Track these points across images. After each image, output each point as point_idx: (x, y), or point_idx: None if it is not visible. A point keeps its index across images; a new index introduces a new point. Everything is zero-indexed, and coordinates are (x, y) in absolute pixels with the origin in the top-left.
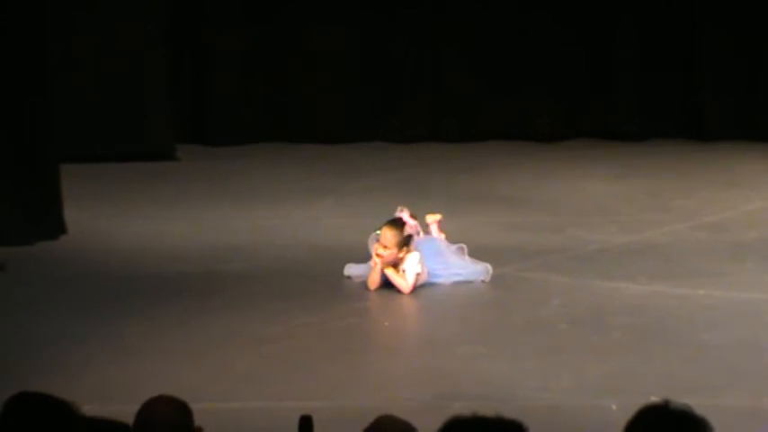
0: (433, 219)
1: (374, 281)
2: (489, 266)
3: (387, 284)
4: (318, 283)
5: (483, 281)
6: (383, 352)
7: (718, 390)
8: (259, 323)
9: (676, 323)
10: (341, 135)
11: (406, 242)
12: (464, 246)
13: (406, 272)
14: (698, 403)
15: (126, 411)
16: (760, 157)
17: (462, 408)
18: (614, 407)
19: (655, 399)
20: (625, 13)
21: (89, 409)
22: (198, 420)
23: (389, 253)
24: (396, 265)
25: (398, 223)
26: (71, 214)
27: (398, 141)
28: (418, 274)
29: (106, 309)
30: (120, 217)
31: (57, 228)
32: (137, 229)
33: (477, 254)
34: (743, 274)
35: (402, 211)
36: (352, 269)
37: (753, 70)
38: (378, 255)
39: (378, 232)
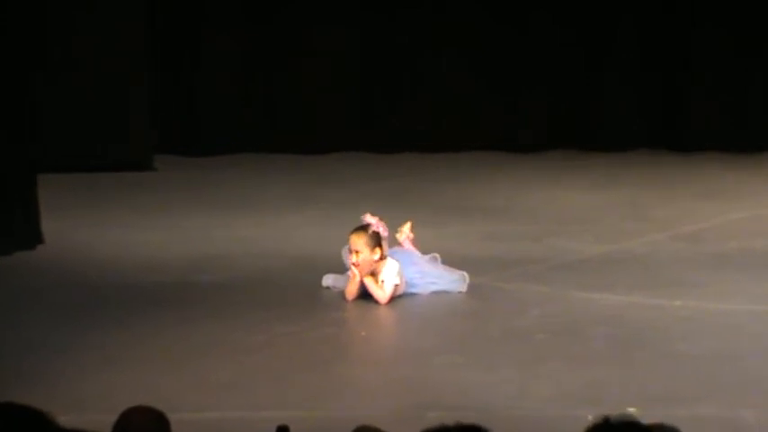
0: (404, 234)
1: (351, 291)
2: (465, 274)
3: (364, 295)
4: (297, 293)
5: (460, 291)
6: (361, 362)
7: (695, 400)
8: (237, 333)
9: (654, 334)
10: (323, 145)
11: (376, 241)
12: (437, 255)
13: (385, 282)
14: (675, 414)
15: (103, 421)
16: (739, 167)
17: (439, 418)
18: (590, 417)
19: (632, 409)
20: (614, 26)
21: (66, 419)
22: (175, 430)
23: (363, 257)
24: (374, 274)
25: (363, 227)
26: (49, 224)
27: (379, 152)
28: (396, 285)
29: (84, 318)
30: (99, 226)
31: (34, 237)
32: (115, 239)
33: (455, 263)
34: (721, 284)
35: (365, 215)
36: (330, 279)
37: (733, 82)
38: (354, 264)
39: (347, 245)
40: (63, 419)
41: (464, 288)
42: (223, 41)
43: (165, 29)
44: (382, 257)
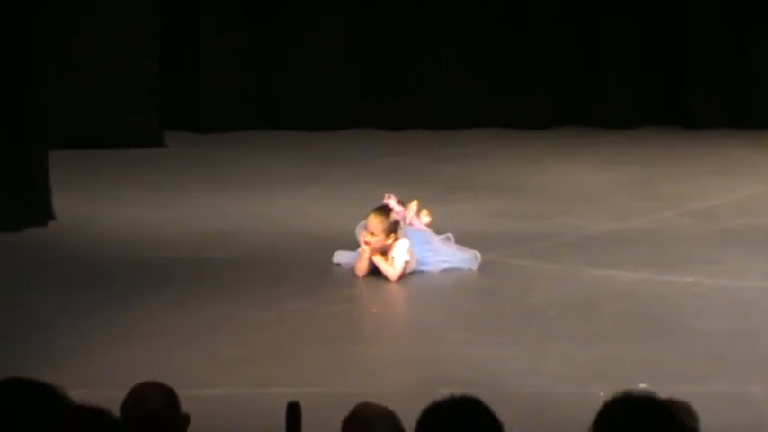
0: (411, 212)
1: (362, 268)
2: (478, 254)
3: (375, 272)
4: (307, 269)
5: (471, 269)
6: (371, 339)
7: (707, 377)
8: (247, 309)
9: (664, 310)
10: (330, 122)
11: (393, 229)
12: (450, 235)
13: (395, 259)
14: (685, 390)
15: (114, 397)
16: (749, 144)
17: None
18: (602, 393)
19: (643, 386)
20: (619, 3)
21: (76, 394)
22: (185, 406)
23: (377, 240)
24: (384, 252)
25: (385, 210)
26: (60, 201)
27: (388, 129)
28: (407, 262)
29: (95, 295)
30: (109, 203)
31: (45, 214)
32: (125, 216)
33: (465, 241)
34: (731, 261)
35: (389, 198)
36: (340, 256)
37: (741, 59)
38: (365, 242)
39: (365, 221)
40: (73, 394)
41: (475, 266)
42: (218, 30)
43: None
44: (395, 240)
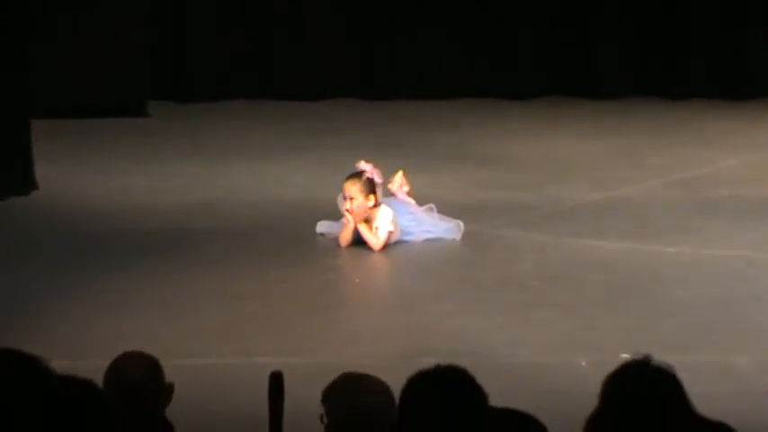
0: (396, 183)
1: (346, 238)
2: (461, 223)
3: (359, 241)
4: (291, 240)
5: (454, 239)
6: (355, 309)
7: (689, 346)
8: (231, 280)
9: (648, 280)
10: (316, 92)
11: (370, 188)
12: (433, 206)
13: (379, 229)
14: (668, 360)
15: (98, 367)
16: (732, 115)
17: (433, 364)
18: (584, 363)
19: (625, 356)
20: None
21: (60, 365)
22: (169, 376)
23: (358, 204)
24: (368, 220)
25: (357, 174)
26: (42, 169)
27: (373, 99)
28: (390, 233)
29: (78, 265)
30: (92, 173)
31: (28, 183)
32: (108, 185)
33: (449, 211)
34: (714, 231)
35: (359, 163)
36: (324, 226)
37: (725, 29)
38: (348, 211)
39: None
40: (56, 365)
41: (459, 236)
42: (208, 10)
43: None
44: (376, 204)
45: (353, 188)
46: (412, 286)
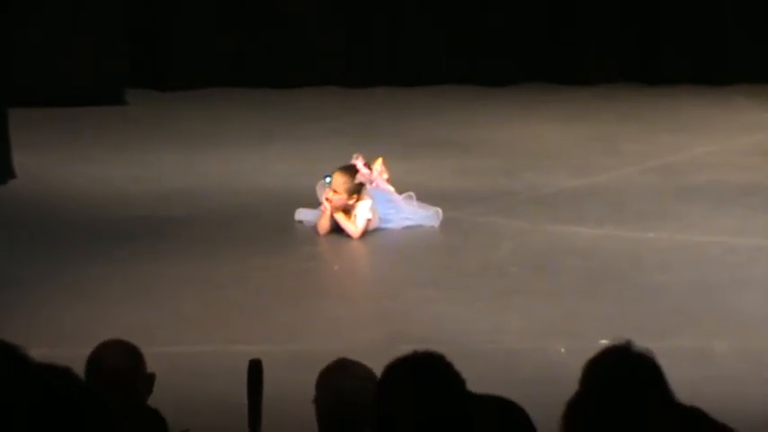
0: (375, 171)
1: (324, 226)
2: (439, 211)
3: (337, 229)
4: (269, 227)
5: (433, 226)
6: (334, 296)
7: (668, 332)
8: (210, 267)
9: (626, 266)
10: (294, 80)
11: (356, 190)
12: (412, 194)
13: (357, 217)
14: (648, 345)
15: (78, 355)
16: (709, 100)
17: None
18: (563, 350)
19: (605, 341)
20: None
21: (39, 353)
22: (149, 364)
23: (339, 198)
24: (347, 210)
25: (351, 170)
26: (20, 158)
27: (351, 86)
28: (368, 220)
29: (56, 253)
30: (70, 161)
31: (6, 172)
32: (87, 174)
33: (428, 199)
34: (692, 216)
35: (357, 158)
36: (302, 214)
37: (703, 14)
38: (327, 199)
39: (327, 179)
40: (35, 353)
41: (437, 223)
42: None
43: None
44: (357, 200)
45: (343, 186)
46: (392, 273)
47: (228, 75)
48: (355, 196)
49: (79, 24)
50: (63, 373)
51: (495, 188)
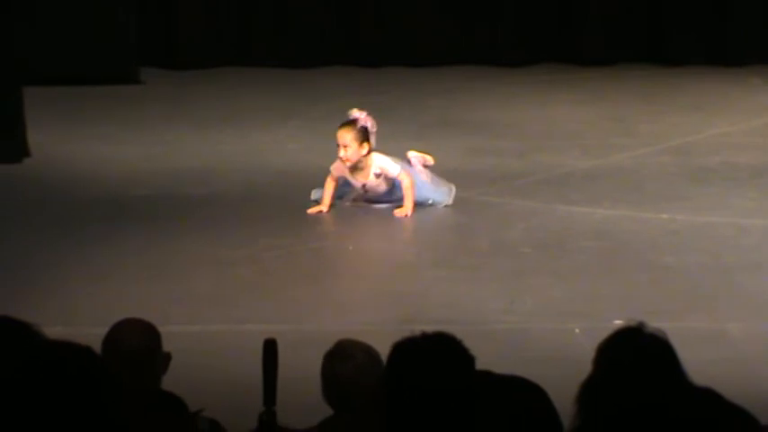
0: (415, 155)
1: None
2: (453, 188)
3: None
4: (283, 207)
5: (446, 205)
6: (347, 276)
7: (682, 313)
8: (224, 247)
9: (640, 247)
10: (309, 59)
11: (364, 136)
12: (430, 159)
13: (387, 170)
14: (661, 326)
15: (93, 334)
16: (724, 81)
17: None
18: (577, 330)
19: (618, 322)
20: None
21: (56, 331)
22: (164, 342)
23: (352, 151)
24: (362, 169)
25: (350, 121)
26: (35, 137)
27: (366, 65)
28: (400, 167)
29: (70, 232)
30: (84, 140)
31: (20, 150)
32: (100, 153)
33: (442, 178)
34: (707, 198)
35: (352, 111)
36: (319, 193)
37: None
38: (343, 159)
39: (315, 194)
40: (48, 332)
41: (450, 201)
42: None
43: None
44: (370, 152)
45: (348, 136)
46: (405, 254)
47: (243, 54)
48: (366, 144)
49: (94, 3)
50: (82, 352)
51: (508, 169)
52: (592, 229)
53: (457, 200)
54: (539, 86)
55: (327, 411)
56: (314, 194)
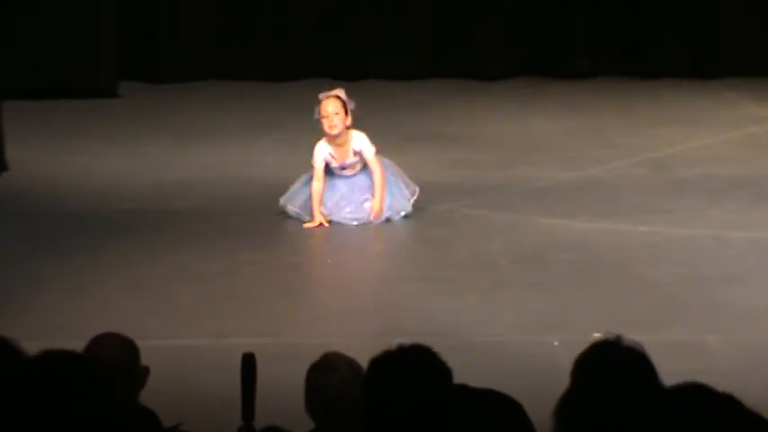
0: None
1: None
2: (417, 189)
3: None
4: (262, 220)
5: (406, 214)
6: (326, 289)
7: (661, 325)
8: (203, 260)
9: (618, 260)
10: (287, 72)
11: (346, 108)
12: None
13: (364, 151)
14: (640, 339)
15: (72, 348)
16: (702, 93)
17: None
18: (556, 343)
19: (598, 335)
20: None
21: (34, 345)
22: (142, 357)
23: (339, 119)
24: (342, 145)
25: (331, 95)
26: (14, 151)
27: (344, 79)
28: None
29: (49, 246)
30: (63, 154)
31: None
32: (80, 166)
33: (421, 191)
34: (685, 210)
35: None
36: (291, 200)
37: (696, 8)
38: (330, 128)
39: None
40: (29, 346)
41: (410, 208)
42: None
43: None
44: (350, 127)
45: (335, 104)
46: (383, 266)
47: (221, 68)
48: (348, 117)
49: (72, 16)
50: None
51: (488, 181)
52: (571, 242)
53: (435, 212)
54: (518, 99)
55: (307, 426)
56: (283, 201)
